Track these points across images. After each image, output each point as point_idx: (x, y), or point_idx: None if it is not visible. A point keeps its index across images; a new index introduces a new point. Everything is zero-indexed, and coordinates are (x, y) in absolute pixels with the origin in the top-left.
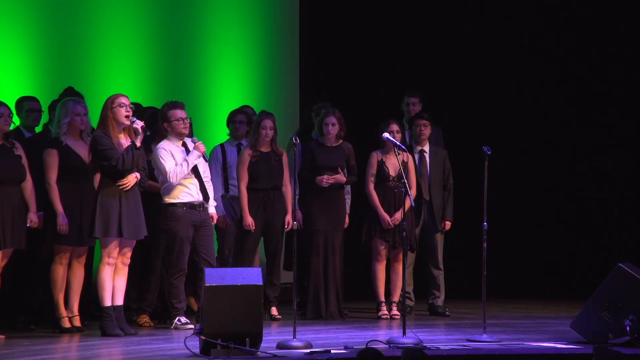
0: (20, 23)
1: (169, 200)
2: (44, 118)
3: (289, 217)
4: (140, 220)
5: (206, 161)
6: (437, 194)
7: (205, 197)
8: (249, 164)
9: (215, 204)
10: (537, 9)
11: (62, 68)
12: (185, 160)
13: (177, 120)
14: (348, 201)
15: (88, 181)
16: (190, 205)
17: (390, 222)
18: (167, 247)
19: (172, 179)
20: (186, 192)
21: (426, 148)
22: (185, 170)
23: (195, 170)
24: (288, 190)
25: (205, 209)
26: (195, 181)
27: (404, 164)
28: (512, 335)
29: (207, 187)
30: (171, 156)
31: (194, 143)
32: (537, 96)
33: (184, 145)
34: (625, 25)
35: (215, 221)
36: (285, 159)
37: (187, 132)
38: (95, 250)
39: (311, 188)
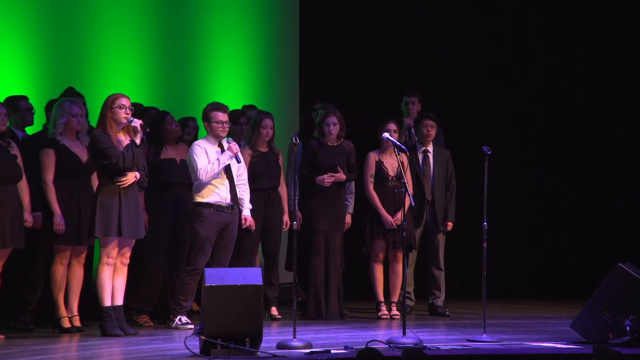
0: (20, 23)
1: (198, 199)
2: (42, 118)
3: (286, 217)
4: (140, 220)
5: (238, 162)
6: (439, 194)
7: (234, 199)
8: (249, 164)
9: (250, 206)
10: (539, 9)
11: (62, 68)
12: (218, 159)
13: (217, 122)
14: (351, 201)
15: (85, 181)
16: (217, 207)
17: (393, 223)
18: (189, 243)
19: (202, 176)
20: (215, 193)
21: (430, 148)
22: (215, 169)
23: (228, 172)
24: (284, 190)
25: (234, 212)
26: (226, 182)
27: (402, 164)
28: (512, 335)
29: (241, 189)
30: (205, 154)
31: (228, 144)
32: (537, 96)
33: (220, 146)
34: (628, 24)
35: (247, 224)
36: (281, 159)
37: (224, 135)
38: (95, 250)
39: (311, 188)
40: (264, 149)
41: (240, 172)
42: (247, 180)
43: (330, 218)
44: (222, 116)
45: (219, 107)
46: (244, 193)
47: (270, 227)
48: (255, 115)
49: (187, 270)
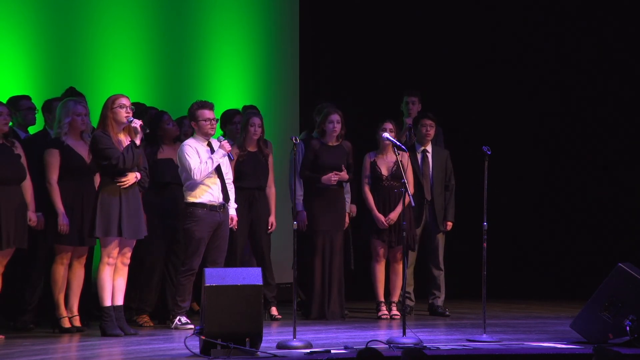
0: (20, 23)
1: (191, 199)
2: (41, 118)
3: (272, 219)
4: (140, 220)
5: (231, 160)
6: (438, 194)
7: (226, 197)
8: (235, 162)
9: (236, 206)
10: (539, 9)
11: (62, 68)
12: (210, 158)
13: (205, 120)
14: (348, 200)
15: (89, 181)
16: (210, 207)
17: (385, 222)
18: (183, 244)
19: (196, 176)
20: (208, 192)
21: (429, 148)
22: (209, 168)
23: (218, 171)
24: (272, 191)
25: (226, 211)
26: (218, 181)
27: (402, 164)
28: (512, 335)
29: (228, 188)
30: (196, 154)
31: (220, 142)
32: (537, 96)
33: (209, 145)
34: (629, 26)
35: (234, 223)
36: (271, 160)
37: (213, 132)
38: (95, 250)
39: (312, 188)
40: (252, 148)
41: (227, 171)
42: (232, 179)
43: (331, 218)
44: (209, 113)
45: (205, 104)
46: (230, 192)
47: (257, 227)
48: (245, 114)
49: (182, 271)
